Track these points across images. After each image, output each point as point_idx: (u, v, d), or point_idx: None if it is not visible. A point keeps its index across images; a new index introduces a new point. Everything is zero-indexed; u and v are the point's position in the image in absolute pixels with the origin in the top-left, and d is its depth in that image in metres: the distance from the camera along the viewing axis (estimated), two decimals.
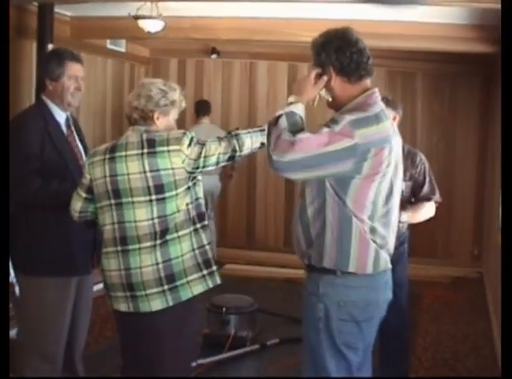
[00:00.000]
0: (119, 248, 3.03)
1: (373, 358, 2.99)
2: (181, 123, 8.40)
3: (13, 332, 4.67)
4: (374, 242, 2.72)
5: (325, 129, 2.61)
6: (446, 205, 8.65)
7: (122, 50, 8.57)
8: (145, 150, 2.98)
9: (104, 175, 3.04)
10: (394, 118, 4.09)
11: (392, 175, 2.75)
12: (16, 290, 4.83)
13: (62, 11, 6.93)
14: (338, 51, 2.72)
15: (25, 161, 3.34)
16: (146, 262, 2.99)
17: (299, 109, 2.74)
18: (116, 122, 8.35)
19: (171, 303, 3.01)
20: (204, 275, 3.07)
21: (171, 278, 3.00)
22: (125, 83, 8.75)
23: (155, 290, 2.99)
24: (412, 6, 5.52)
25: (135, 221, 2.99)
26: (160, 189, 2.97)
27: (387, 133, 2.69)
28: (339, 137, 2.57)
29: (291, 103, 2.76)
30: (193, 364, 4.64)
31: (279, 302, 6.34)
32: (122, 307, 3.07)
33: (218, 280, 3.13)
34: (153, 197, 2.97)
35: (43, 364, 3.52)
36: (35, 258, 3.44)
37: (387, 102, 4.07)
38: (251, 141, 3.12)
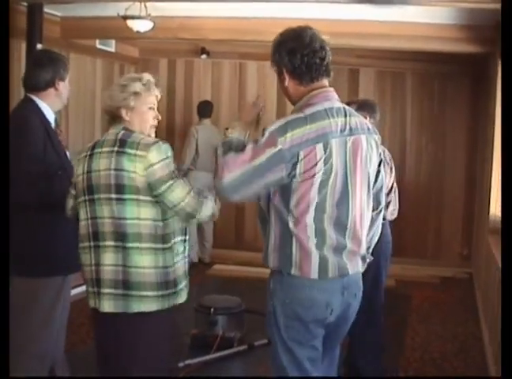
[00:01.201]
0: (92, 243, 3.00)
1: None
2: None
3: None
4: (320, 249, 2.68)
5: (250, 146, 2.64)
6: (435, 206, 8.74)
7: (112, 50, 8.56)
8: (116, 148, 2.93)
9: (83, 172, 3.02)
10: None
11: (348, 176, 2.72)
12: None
13: (52, 11, 6.91)
14: (290, 53, 2.74)
15: (31, 162, 3.34)
16: (109, 261, 2.95)
17: (234, 133, 2.79)
18: (105, 123, 8.33)
19: (120, 310, 2.96)
20: (161, 296, 2.97)
21: (126, 284, 2.94)
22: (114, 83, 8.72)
23: (112, 290, 2.95)
24: (401, 6, 5.52)
25: (102, 217, 2.96)
26: (120, 189, 2.90)
27: (322, 131, 2.65)
28: (262, 150, 2.60)
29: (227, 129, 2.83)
30: (181, 364, 4.65)
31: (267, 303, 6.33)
32: (91, 303, 3.05)
33: (179, 300, 3.03)
34: (113, 195, 2.91)
35: (33, 363, 3.52)
36: (32, 259, 3.43)
37: (359, 105, 4.16)
38: (212, 208, 3.04)
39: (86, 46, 7.88)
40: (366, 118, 3.93)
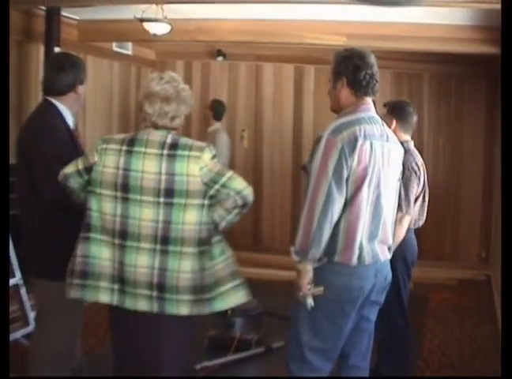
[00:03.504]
0: (117, 241, 2.99)
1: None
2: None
3: (16, 335, 4.68)
4: (361, 238, 3.09)
5: (315, 173, 3.03)
6: (453, 208, 8.70)
7: (129, 52, 8.60)
8: (166, 151, 2.94)
9: (117, 167, 2.97)
10: (391, 124, 4.17)
11: (383, 176, 3.14)
12: (22, 292, 4.86)
13: (70, 15, 6.96)
14: (356, 68, 3.18)
15: (59, 164, 3.32)
16: (142, 263, 2.95)
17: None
18: (122, 125, 8.38)
19: (155, 310, 2.97)
20: (197, 300, 2.98)
21: (161, 287, 2.96)
22: (131, 85, 8.76)
23: (144, 291, 2.96)
24: (409, 7, 5.49)
25: (140, 219, 2.95)
26: (170, 193, 2.91)
27: (369, 132, 3.08)
28: (328, 155, 3.01)
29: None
30: (198, 366, 4.66)
31: (284, 305, 6.32)
32: (104, 297, 3.04)
33: (217, 305, 3.04)
34: (161, 199, 2.92)
35: (59, 364, 3.58)
36: (63, 264, 3.44)
37: (389, 107, 4.29)
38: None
39: (103, 49, 7.93)
40: (392, 120, 4.09)
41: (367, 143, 3.04)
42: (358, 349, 3.35)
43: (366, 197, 3.07)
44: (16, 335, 4.67)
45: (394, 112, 4.31)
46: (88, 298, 3.09)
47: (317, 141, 3.11)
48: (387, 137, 3.20)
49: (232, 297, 3.07)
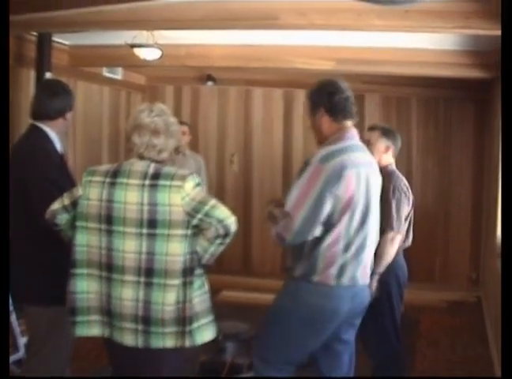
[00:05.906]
0: (104, 274, 2.97)
1: None
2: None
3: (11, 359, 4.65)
4: (341, 259, 3.18)
5: (300, 184, 3.14)
6: (443, 230, 8.73)
7: (119, 77, 8.62)
8: (147, 181, 2.92)
9: (100, 199, 2.96)
10: (387, 149, 4.22)
11: (367, 202, 3.25)
12: (12, 318, 4.83)
13: (61, 40, 7.00)
14: (330, 95, 3.32)
15: (57, 187, 3.34)
16: (127, 295, 2.93)
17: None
18: (112, 150, 8.38)
19: (140, 345, 2.94)
20: (180, 332, 2.95)
21: (146, 320, 2.93)
22: (121, 110, 8.78)
23: (130, 325, 2.94)
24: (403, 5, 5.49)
25: (123, 251, 2.92)
26: (152, 224, 2.89)
27: (355, 161, 3.21)
28: (313, 181, 3.10)
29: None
30: None
31: None
32: (95, 331, 3.04)
33: (198, 337, 3.01)
34: (144, 230, 2.90)
35: None
36: (56, 289, 3.39)
37: (383, 132, 4.30)
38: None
39: (93, 74, 7.95)
40: (389, 146, 4.15)
41: (354, 171, 3.16)
42: (339, 372, 3.46)
43: (349, 222, 3.16)
44: None
45: (389, 136, 4.34)
46: (80, 334, 3.06)
47: (305, 165, 3.21)
48: (370, 164, 3.34)
49: (207, 332, 3.04)
